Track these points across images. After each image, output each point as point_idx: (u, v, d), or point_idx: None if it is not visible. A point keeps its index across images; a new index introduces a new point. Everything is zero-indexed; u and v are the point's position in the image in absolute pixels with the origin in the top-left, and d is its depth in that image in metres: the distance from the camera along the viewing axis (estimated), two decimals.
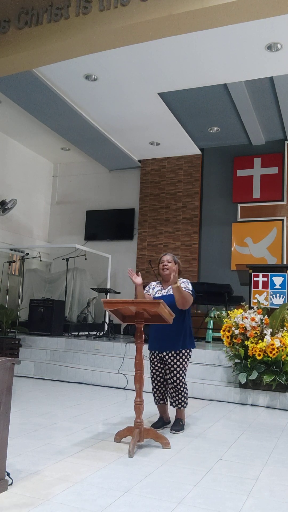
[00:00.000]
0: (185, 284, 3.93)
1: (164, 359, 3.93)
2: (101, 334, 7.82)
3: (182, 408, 3.96)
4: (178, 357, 3.89)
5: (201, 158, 9.59)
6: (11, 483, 2.56)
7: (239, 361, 5.34)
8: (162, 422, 4.03)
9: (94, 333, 8.22)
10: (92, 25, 4.46)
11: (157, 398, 4.05)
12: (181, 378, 3.89)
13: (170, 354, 3.89)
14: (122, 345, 6.66)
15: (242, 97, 7.19)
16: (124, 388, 5.83)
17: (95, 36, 4.51)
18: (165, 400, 4.07)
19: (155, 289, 4.06)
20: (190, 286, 3.95)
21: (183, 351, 3.91)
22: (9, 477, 2.55)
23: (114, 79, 6.73)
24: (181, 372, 3.88)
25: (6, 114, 8.35)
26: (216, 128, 8.59)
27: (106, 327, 7.92)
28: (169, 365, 3.90)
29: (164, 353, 3.91)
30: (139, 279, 3.87)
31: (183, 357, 3.91)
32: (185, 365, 3.94)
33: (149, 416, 4.30)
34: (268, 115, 7.96)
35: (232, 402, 5.26)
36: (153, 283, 4.13)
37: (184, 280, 4.01)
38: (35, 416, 4.22)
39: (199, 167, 9.55)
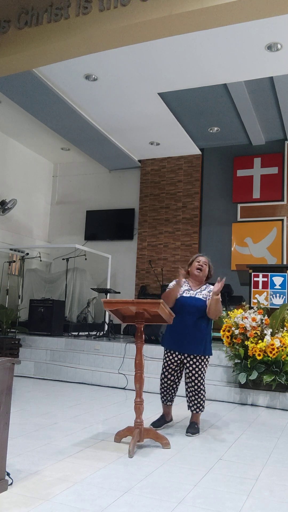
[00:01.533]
0: None
1: (184, 362, 3.91)
2: (101, 334, 7.82)
3: (199, 412, 3.94)
4: (200, 361, 3.86)
5: (201, 158, 9.58)
6: (11, 483, 2.56)
7: (239, 361, 5.34)
8: (163, 421, 4.03)
9: (94, 333, 8.22)
10: (92, 25, 4.46)
11: (165, 398, 4.01)
12: (202, 381, 3.87)
13: (191, 357, 3.86)
14: (122, 345, 6.66)
15: (242, 97, 7.19)
16: (124, 388, 5.83)
17: (95, 36, 4.51)
18: (173, 401, 4.05)
19: (182, 287, 3.95)
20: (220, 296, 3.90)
21: (205, 357, 3.89)
22: (9, 477, 2.55)
23: (114, 79, 6.73)
24: (202, 375, 3.87)
25: (6, 114, 8.35)
26: (216, 128, 8.58)
27: (106, 327, 7.92)
28: (190, 369, 3.87)
29: (186, 355, 3.88)
30: (182, 282, 3.84)
31: (203, 362, 3.89)
32: (205, 370, 3.92)
33: (149, 416, 4.30)
34: (268, 115, 7.96)
35: (232, 402, 5.26)
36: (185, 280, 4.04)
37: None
38: (35, 416, 4.22)
39: (199, 167, 9.55)
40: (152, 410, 4.45)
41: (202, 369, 3.88)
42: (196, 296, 3.89)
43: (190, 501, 2.46)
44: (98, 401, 5.06)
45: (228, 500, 2.49)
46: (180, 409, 4.55)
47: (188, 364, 3.88)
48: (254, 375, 5.11)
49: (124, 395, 5.46)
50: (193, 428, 3.86)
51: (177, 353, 3.92)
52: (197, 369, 3.86)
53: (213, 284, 3.89)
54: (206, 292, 3.91)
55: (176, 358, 3.93)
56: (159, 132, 8.56)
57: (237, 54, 5.92)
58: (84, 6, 4.49)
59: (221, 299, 3.87)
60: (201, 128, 8.58)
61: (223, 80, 6.66)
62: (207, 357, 3.92)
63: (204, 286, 3.99)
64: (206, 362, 3.93)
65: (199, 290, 3.95)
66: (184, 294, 3.92)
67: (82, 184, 10.73)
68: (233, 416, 4.62)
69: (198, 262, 3.97)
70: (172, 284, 3.98)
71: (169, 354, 3.96)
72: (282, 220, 8.82)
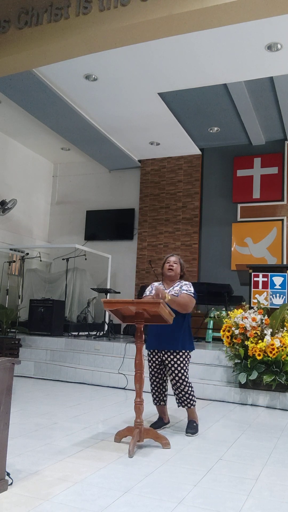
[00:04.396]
0: (187, 287, 3.94)
1: (163, 359, 3.92)
2: (101, 334, 7.82)
3: (191, 407, 3.92)
4: (178, 357, 3.86)
5: (201, 158, 9.58)
6: (11, 483, 2.55)
7: (239, 361, 5.34)
8: (161, 422, 4.02)
9: (94, 333, 8.22)
10: (92, 25, 4.46)
11: (156, 399, 4.03)
12: (183, 377, 3.86)
13: (169, 353, 3.86)
14: (122, 345, 6.66)
15: (242, 97, 7.19)
16: (124, 388, 5.83)
17: (95, 36, 4.50)
18: (165, 401, 4.05)
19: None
20: (192, 289, 3.95)
21: (183, 352, 3.88)
22: (9, 477, 2.55)
23: (114, 79, 6.73)
24: (182, 371, 3.86)
25: (6, 114, 8.34)
26: (216, 128, 8.59)
27: (106, 327, 7.92)
28: (169, 366, 3.88)
29: (163, 352, 3.89)
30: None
31: (183, 357, 3.88)
32: (186, 365, 3.90)
33: (149, 416, 4.30)
34: (268, 115, 7.96)
35: (232, 402, 5.26)
36: (155, 284, 4.12)
37: (186, 282, 4.02)
38: (35, 416, 4.22)
39: (199, 167, 9.55)
40: (152, 410, 4.45)
41: (182, 365, 3.86)
42: (171, 293, 3.93)
43: (190, 501, 2.46)
44: (98, 401, 5.06)
45: (228, 500, 2.48)
46: (179, 410, 4.55)
47: (167, 361, 3.88)
48: (254, 375, 5.11)
49: (124, 395, 5.46)
50: (192, 428, 3.86)
51: (156, 351, 3.94)
52: (176, 365, 3.85)
53: (187, 281, 4.07)
54: (178, 288, 3.96)
55: (157, 356, 3.95)
56: (159, 132, 8.56)
57: (237, 54, 5.92)
58: (84, 6, 4.49)
59: (190, 292, 3.90)
60: (201, 128, 8.58)
61: (223, 80, 6.67)
62: (187, 352, 3.92)
63: (178, 283, 4.05)
64: (188, 357, 3.92)
65: (172, 287, 4.01)
66: None
67: (82, 184, 10.73)
68: (233, 416, 4.62)
69: (169, 263, 4.06)
70: (148, 292, 4.05)
71: (150, 354, 4.00)
72: (282, 220, 8.82)
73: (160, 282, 4.14)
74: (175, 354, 3.86)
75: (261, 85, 6.94)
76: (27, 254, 9.53)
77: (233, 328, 5.40)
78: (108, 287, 9.05)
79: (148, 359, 4.01)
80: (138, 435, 3.36)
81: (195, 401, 3.94)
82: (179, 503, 2.42)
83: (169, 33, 4.47)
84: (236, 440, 3.72)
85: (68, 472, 2.82)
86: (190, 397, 3.89)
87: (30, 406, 4.64)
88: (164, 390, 4.03)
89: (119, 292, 8.72)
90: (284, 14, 4.10)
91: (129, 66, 6.35)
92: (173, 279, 4.05)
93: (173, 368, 3.86)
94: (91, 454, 3.19)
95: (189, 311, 3.91)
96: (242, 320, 5.32)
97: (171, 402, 4.24)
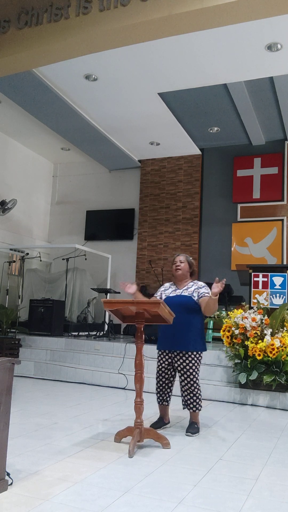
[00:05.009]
0: (206, 289, 3.92)
1: (174, 361, 3.90)
2: (101, 334, 7.82)
3: (197, 411, 3.91)
4: (190, 359, 3.82)
5: (201, 158, 9.59)
6: (11, 483, 2.55)
7: (239, 361, 5.34)
8: (162, 422, 4.02)
9: (94, 333, 8.22)
10: (92, 25, 4.46)
11: (160, 398, 4.01)
12: (194, 379, 3.84)
13: (181, 355, 3.84)
14: (122, 345, 6.66)
15: (242, 97, 7.19)
16: (124, 388, 5.83)
17: (95, 36, 4.51)
18: (168, 401, 4.04)
19: (168, 290, 4.05)
20: (209, 290, 3.92)
21: (194, 353, 3.85)
22: (9, 477, 2.55)
23: (114, 79, 6.73)
24: (194, 373, 3.83)
25: (6, 114, 8.35)
26: (216, 128, 8.59)
27: (106, 327, 7.92)
28: (180, 367, 3.85)
29: (175, 353, 3.86)
30: (132, 288, 3.76)
31: (195, 358, 3.85)
32: (197, 366, 3.88)
33: (149, 416, 4.30)
34: (268, 115, 7.96)
35: (232, 402, 5.26)
36: (167, 284, 4.12)
37: (204, 284, 3.99)
38: (35, 416, 4.22)
39: (199, 167, 9.55)
40: (152, 410, 4.45)
41: (194, 367, 3.84)
42: (182, 294, 3.94)
43: (190, 501, 2.46)
44: (98, 401, 5.06)
45: (228, 500, 2.48)
46: (180, 410, 4.55)
47: (179, 362, 3.86)
48: (254, 375, 5.11)
49: (124, 395, 5.46)
50: (193, 428, 3.85)
51: (167, 352, 3.93)
52: (187, 367, 3.82)
53: (201, 281, 4.05)
54: (193, 289, 3.93)
55: (167, 357, 3.93)
56: (159, 132, 8.56)
57: (237, 54, 5.92)
58: (84, 6, 4.49)
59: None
60: (201, 128, 8.58)
61: (223, 80, 6.67)
62: (198, 353, 3.88)
63: (191, 283, 4.03)
64: (198, 359, 3.88)
65: (185, 288, 3.99)
66: (171, 294, 3.98)
67: (82, 184, 10.73)
68: (233, 416, 4.62)
69: (175, 263, 4.06)
70: (158, 294, 4.08)
71: (160, 354, 3.98)
72: (282, 220, 8.82)
73: (172, 282, 4.13)
74: (187, 355, 3.84)
75: (261, 85, 6.94)
76: (27, 254, 9.54)
77: (233, 328, 5.40)
78: (108, 287, 9.05)
79: (158, 359, 3.99)
80: (138, 435, 3.35)
81: (201, 406, 3.93)
82: (179, 503, 2.42)
83: (169, 33, 4.47)
84: (236, 440, 3.72)
85: (68, 472, 2.82)
86: (198, 400, 3.89)
87: (30, 406, 4.64)
88: (169, 390, 4.01)
89: (119, 292, 8.70)
90: (284, 14, 4.10)
91: (129, 66, 6.35)
92: (183, 278, 4.03)
93: (184, 370, 3.83)
94: (91, 454, 3.19)
95: (213, 314, 3.91)
96: (242, 320, 5.32)
97: (174, 403, 4.24)
